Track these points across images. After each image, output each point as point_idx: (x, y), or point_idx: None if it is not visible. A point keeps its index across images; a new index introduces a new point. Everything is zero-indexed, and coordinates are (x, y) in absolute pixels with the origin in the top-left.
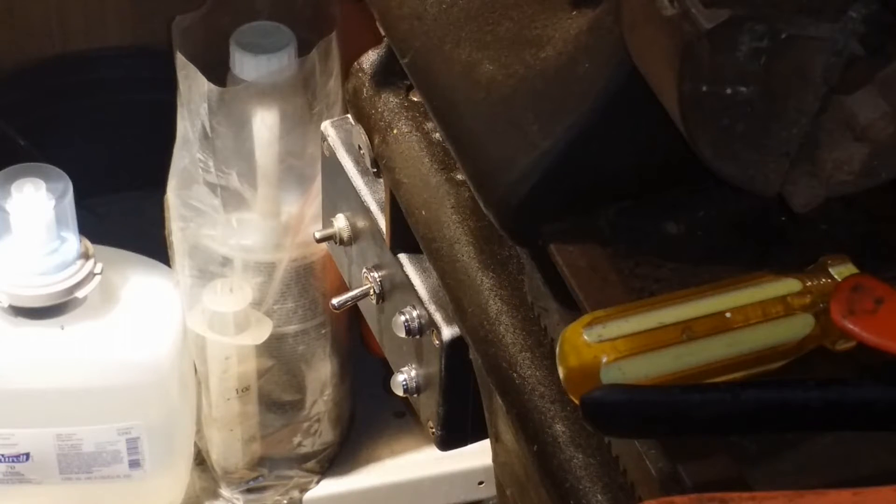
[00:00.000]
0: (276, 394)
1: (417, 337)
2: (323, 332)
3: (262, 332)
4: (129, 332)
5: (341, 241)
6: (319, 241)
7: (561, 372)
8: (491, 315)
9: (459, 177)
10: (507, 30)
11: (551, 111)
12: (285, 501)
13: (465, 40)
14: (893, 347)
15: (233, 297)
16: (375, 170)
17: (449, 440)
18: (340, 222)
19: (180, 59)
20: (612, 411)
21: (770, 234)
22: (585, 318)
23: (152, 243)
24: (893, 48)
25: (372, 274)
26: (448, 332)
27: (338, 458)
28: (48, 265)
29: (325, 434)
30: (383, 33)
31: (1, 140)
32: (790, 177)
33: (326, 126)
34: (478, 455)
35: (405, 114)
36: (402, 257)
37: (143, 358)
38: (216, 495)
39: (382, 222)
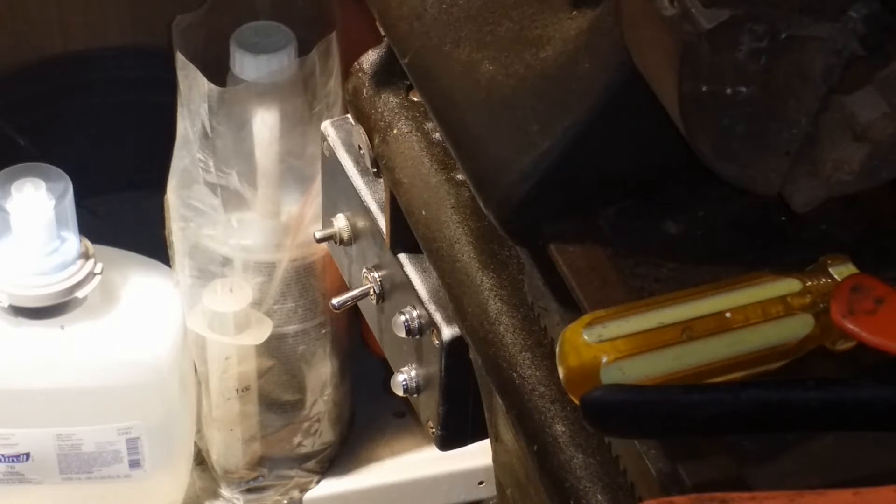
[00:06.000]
0: (276, 394)
1: (417, 337)
2: (323, 332)
3: (262, 332)
4: (129, 332)
5: (341, 241)
6: (319, 241)
7: (561, 372)
8: (491, 315)
9: (459, 177)
10: (507, 30)
11: (551, 111)
12: (285, 501)
13: (465, 40)
14: (893, 347)
15: (233, 297)
16: (375, 170)
17: (449, 440)
18: (340, 222)
19: (180, 59)
20: (612, 411)
21: (770, 234)
22: (585, 318)
23: (152, 243)
24: (893, 48)
25: (372, 274)
26: (448, 332)
27: (338, 458)
28: (48, 265)
29: (325, 434)
30: (383, 33)
31: (1, 140)
32: (790, 177)
33: (326, 126)
34: (478, 455)
35: (405, 114)
36: (402, 257)
37: (143, 358)
38: (216, 495)
39: (382, 222)
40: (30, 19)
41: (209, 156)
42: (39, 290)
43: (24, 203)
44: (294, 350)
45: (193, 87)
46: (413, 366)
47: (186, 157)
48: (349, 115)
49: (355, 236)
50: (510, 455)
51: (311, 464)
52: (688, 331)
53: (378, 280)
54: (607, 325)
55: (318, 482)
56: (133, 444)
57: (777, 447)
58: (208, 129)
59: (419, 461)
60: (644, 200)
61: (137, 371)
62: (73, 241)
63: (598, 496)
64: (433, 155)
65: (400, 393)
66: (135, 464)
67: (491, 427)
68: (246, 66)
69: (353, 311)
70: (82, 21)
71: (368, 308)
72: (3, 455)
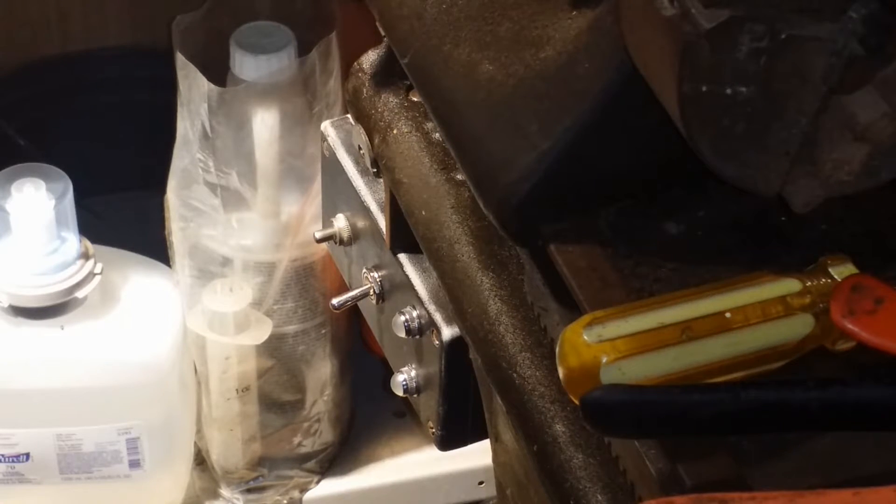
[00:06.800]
0: (276, 394)
1: (417, 337)
2: (323, 332)
3: (262, 332)
4: (129, 332)
5: (341, 241)
6: (319, 241)
7: (561, 372)
8: (491, 315)
9: (459, 177)
10: (507, 30)
11: (551, 111)
12: (285, 501)
13: (465, 40)
14: (893, 347)
15: (233, 297)
16: (375, 170)
17: (449, 440)
18: (340, 222)
19: (180, 59)
20: (612, 411)
21: (770, 234)
22: (585, 318)
23: (152, 243)
24: (893, 48)
25: (372, 274)
26: (448, 332)
27: (338, 458)
28: (48, 265)
29: (325, 434)
30: (383, 33)
31: (1, 140)
32: (790, 177)
33: (326, 126)
34: (478, 455)
35: (405, 114)
36: (402, 257)
37: (143, 358)
38: (216, 495)
39: (382, 222)
40: (29, 19)
41: (209, 156)
42: (39, 290)
43: (24, 203)
44: (294, 350)
45: (193, 87)
46: (413, 366)
47: (186, 157)
48: (349, 115)
49: (355, 236)
50: (510, 455)
51: (311, 464)
52: (687, 331)
53: (378, 280)
54: (607, 325)
55: (318, 482)
56: (133, 444)
57: (777, 447)
58: (208, 129)
59: (419, 461)
60: (644, 200)
61: (137, 371)
62: (73, 241)
63: (598, 496)
64: (433, 155)
65: (400, 393)
66: (135, 464)
67: (491, 427)
68: (246, 66)
69: (353, 311)
70: (82, 21)
71: (368, 308)
72: (3, 455)
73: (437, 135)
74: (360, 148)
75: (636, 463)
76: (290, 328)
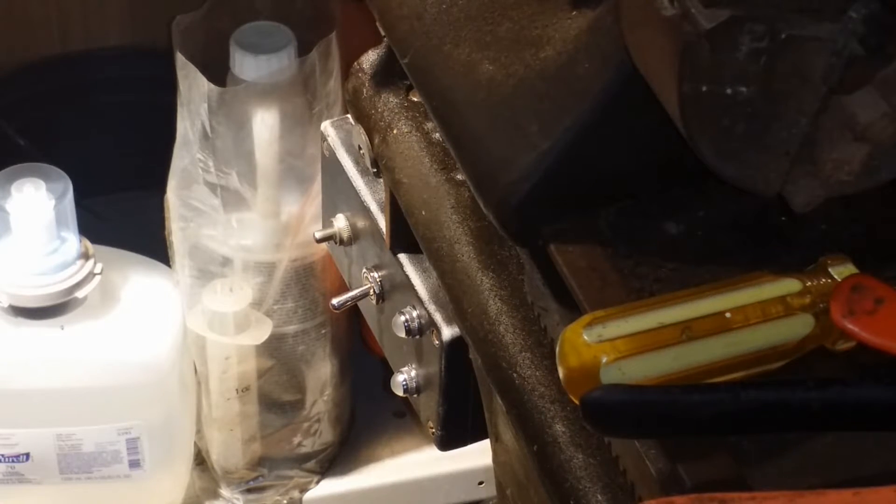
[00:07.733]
0: (276, 394)
1: (417, 337)
2: (323, 332)
3: (262, 332)
4: (129, 332)
5: (341, 241)
6: (319, 241)
7: (561, 372)
8: (491, 315)
9: (459, 177)
10: (507, 30)
11: (551, 111)
12: (285, 501)
13: (465, 40)
14: (893, 347)
15: (233, 297)
16: (375, 170)
17: (449, 440)
18: (340, 222)
19: (180, 59)
20: (612, 411)
21: (770, 234)
22: (585, 318)
23: (152, 243)
24: (893, 48)
25: (372, 274)
26: (448, 332)
27: (338, 458)
28: (48, 265)
29: (325, 434)
30: (383, 33)
31: (1, 140)
32: (790, 177)
33: (326, 126)
34: (478, 455)
35: (405, 114)
36: (402, 257)
37: (143, 358)
38: (216, 495)
39: (382, 222)
40: (29, 19)
41: (209, 156)
42: (39, 290)
43: (24, 203)
44: (294, 350)
45: (193, 87)
46: (413, 366)
47: (186, 157)
48: (349, 115)
49: (355, 236)
50: (510, 455)
51: (311, 464)
52: (687, 331)
53: (378, 280)
54: (607, 325)
55: (318, 482)
56: (133, 444)
57: (777, 447)
58: (208, 129)
59: (419, 461)
60: (644, 200)
61: (137, 371)
62: (73, 241)
63: (598, 496)
64: (433, 155)
65: (400, 393)
66: (135, 464)
67: (491, 427)
68: (246, 66)
69: (353, 311)
70: (82, 21)
71: (368, 308)
72: (3, 455)
73: (437, 135)
74: (360, 148)
75: (636, 463)
76: (290, 328)
